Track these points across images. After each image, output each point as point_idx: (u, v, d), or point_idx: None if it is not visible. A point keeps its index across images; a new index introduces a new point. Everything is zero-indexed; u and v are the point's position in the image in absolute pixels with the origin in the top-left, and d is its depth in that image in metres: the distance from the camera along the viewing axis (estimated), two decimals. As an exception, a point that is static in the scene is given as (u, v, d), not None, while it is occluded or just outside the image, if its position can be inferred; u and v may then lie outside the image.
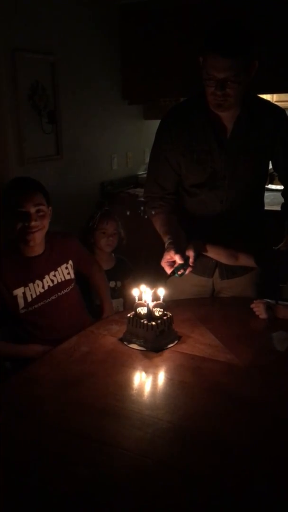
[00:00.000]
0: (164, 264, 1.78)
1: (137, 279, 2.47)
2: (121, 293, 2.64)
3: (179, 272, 1.75)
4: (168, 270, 1.77)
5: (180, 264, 1.75)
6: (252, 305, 1.85)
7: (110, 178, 3.61)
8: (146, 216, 2.06)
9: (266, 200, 2.14)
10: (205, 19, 3.10)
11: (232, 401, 1.37)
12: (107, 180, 3.57)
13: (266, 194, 2.16)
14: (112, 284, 2.60)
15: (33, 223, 1.81)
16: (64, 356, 1.61)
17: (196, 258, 1.79)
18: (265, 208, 2.14)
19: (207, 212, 1.93)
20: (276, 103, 2.17)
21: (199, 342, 1.66)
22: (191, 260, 1.77)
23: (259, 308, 1.82)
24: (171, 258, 1.76)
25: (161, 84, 3.45)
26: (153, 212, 1.98)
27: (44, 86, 2.84)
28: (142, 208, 3.04)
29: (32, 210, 1.82)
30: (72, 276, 2.01)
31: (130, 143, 3.83)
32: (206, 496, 1.05)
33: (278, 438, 1.22)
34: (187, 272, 1.77)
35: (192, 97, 1.90)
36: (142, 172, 3.99)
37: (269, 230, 2.06)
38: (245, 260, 1.87)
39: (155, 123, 4.21)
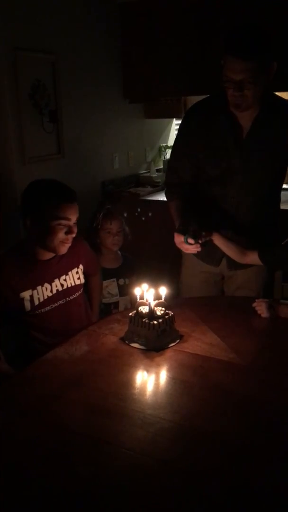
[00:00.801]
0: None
1: (140, 276, 2.49)
2: (129, 291, 2.65)
3: (188, 240, 1.81)
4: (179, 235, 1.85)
5: (189, 235, 1.81)
6: (254, 304, 1.85)
7: (112, 177, 3.60)
8: (166, 201, 2.17)
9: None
10: (205, 18, 3.12)
11: (233, 400, 1.37)
12: (109, 179, 3.57)
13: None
14: (121, 282, 2.61)
15: (74, 235, 1.79)
16: (65, 355, 1.61)
17: (205, 239, 1.85)
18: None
19: (219, 206, 1.99)
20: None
21: (200, 341, 1.66)
22: (201, 238, 1.83)
23: (261, 307, 1.82)
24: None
25: (162, 83, 3.44)
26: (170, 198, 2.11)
27: (45, 85, 2.84)
28: (139, 209, 3.07)
29: (74, 220, 1.78)
30: (82, 280, 1.98)
31: (132, 142, 3.82)
32: (207, 495, 1.04)
33: (280, 437, 1.22)
34: (193, 248, 1.83)
35: (214, 95, 1.94)
36: (144, 171, 3.98)
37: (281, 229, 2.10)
38: (252, 258, 1.89)
39: (156, 122, 4.23)
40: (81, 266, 1.97)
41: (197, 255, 2.05)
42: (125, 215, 2.62)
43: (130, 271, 2.67)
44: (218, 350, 1.60)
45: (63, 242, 1.79)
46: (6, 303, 1.77)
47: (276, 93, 1.93)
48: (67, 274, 1.91)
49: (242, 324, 1.81)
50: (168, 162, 2.18)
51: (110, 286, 2.59)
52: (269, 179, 1.99)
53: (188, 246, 1.83)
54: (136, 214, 2.80)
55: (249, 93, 1.71)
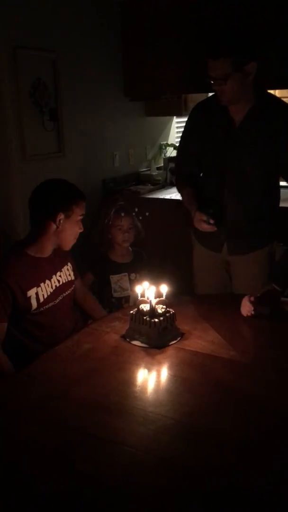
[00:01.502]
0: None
1: (150, 271, 2.50)
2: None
3: (210, 220, 1.98)
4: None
5: (211, 215, 1.98)
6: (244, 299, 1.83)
7: (112, 175, 3.60)
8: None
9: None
10: (206, 16, 3.11)
11: (234, 397, 1.37)
12: (109, 177, 3.56)
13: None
14: (132, 276, 2.61)
15: (82, 230, 1.90)
16: (67, 353, 1.61)
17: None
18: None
19: (220, 196, 2.07)
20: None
21: (201, 339, 1.66)
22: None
23: (245, 308, 1.80)
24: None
25: (163, 81, 3.43)
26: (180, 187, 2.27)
27: (45, 83, 2.84)
28: (136, 209, 3.08)
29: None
30: (73, 277, 2.01)
31: (132, 140, 3.82)
32: (208, 493, 1.05)
33: (281, 435, 1.22)
34: (210, 228, 2.00)
35: (215, 94, 2.03)
36: (144, 169, 3.98)
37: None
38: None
39: (157, 120, 4.21)
40: (69, 264, 2.01)
41: (200, 241, 2.26)
42: (123, 214, 2.61)
43: (140, 265, 2.68)
44: (219, 348, 1.60)
45: (75, 237, 1.90)
46: (15, 302, 1.77)
47: (277, 91, 1.99)
48: (61, 271, 1.95)
49: (243, 321, 1.81)
50: (176, 157, 2.38)
51: (122, 280, 2.60)
52: (261, 172, 2.03)
53: (206, 226, 1.99)
54: (134, 213, 2.80)
55: (226, 88, 1.86)
